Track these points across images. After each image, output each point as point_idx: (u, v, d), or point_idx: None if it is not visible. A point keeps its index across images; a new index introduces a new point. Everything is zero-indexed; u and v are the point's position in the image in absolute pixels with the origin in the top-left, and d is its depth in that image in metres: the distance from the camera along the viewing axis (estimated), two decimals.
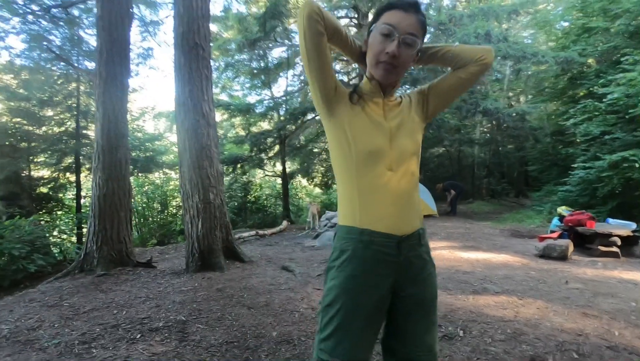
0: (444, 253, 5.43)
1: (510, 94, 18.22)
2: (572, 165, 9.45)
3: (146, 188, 14.52)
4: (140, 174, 13.40)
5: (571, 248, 5.04)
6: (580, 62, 10.76)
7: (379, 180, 1.00)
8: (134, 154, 12.29)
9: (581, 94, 11.93)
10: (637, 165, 7.06)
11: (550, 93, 13.38)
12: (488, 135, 18.46)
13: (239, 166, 15.29)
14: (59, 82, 10.67)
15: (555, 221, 6.33)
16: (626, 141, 8.54)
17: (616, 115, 8.94)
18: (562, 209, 6.43)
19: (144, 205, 14.09)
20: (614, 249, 4.95)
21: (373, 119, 1.05)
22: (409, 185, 1.04)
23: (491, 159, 19.25)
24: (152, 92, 33.55)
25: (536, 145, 14.19)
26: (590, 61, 11.79)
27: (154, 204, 14.42)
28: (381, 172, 1.00)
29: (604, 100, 8.34)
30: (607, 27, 11.26)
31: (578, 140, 11.27)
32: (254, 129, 14.83)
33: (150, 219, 14.09)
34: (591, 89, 10.10)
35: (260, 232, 7.93)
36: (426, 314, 1.03)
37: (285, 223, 9.55)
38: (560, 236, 5.17)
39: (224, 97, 15.02)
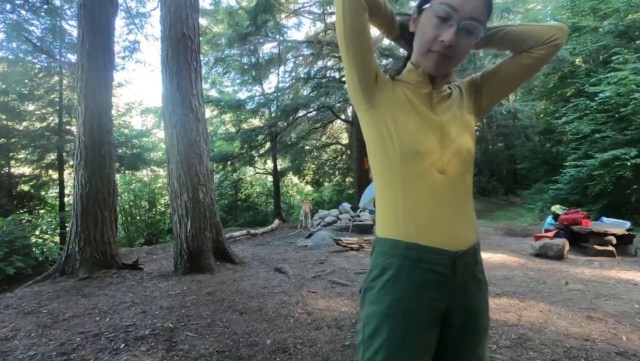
0: None
1: None
2: (563, 163, 9.48)
3: (133, 185, 14.17)
4: (127, 172, 13.03)
5: (567, 247, 5.00)
6: (571, 61, 10.81)
7: (428, 184, 0.84)
8: (120, 150, 11.94)
9: (569, 93, 12.02)
10: (628, 163, 7.10)
11: (540, 92, 13.48)
12: (478, 133, 18.56)
13: (229, 163, 15.05)
14: (40, 76, 10.24)
15: (550, 219, 6.31)
16: (616, 139, 8.62)
17: (606, 114, 9.02)
18: (556, 208, 6.41)
19: (131, 203, 13.74)
20: (610, 248, 4.93)
21: (421, 112, 0.88)
22: (463, 191, 0.87)
23: (481, 158, 19.42)
24: (140, 87, 32.77)
25: (526, 143, 14.32)
26: (578, 60, 11.87)
27: (142, 203, 14.09)
28: (430, 175, 0.84)
29: (595, 99, 8.37)
30: (597, 27, 11.37)
31: (566, 139, 11.37)
32: (244, 125, 14.56)
33: (138, 217, 13.76)
34: (582, 87, 10.17)
35: (252, 231, 7.75)
36: (481, 339, 0.89)
37: (277, 221, 9.38)
38: (557, 235, 5.14)
39: (213, 93, 14.69)
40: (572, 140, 10.12)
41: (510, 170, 18.84)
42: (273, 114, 12.09)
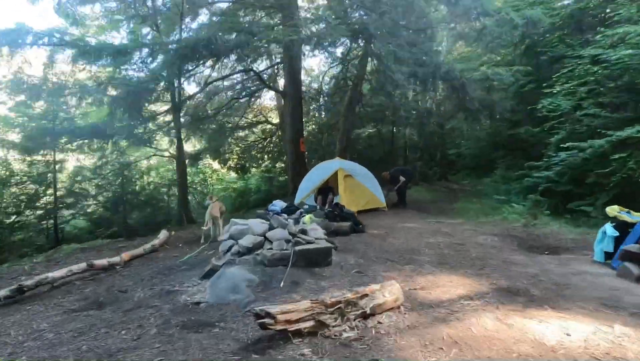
0: (491, 323, 2.46)
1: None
2: (562, 144, 7.39)
3: None
4: None
5: None
6: (550, 23, 8.91)
7: None
8: None
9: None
10: None
11: (506, 62, 11.63)
12: (414, 112, 16.51)
13: (110, 142, 10.72)
14: None
15: (610, 229, 3.92)
16: (609, 118, 6.83)
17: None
18: (615, 210, 4.06)
19: None
20: None
21: None
22: None
23: (423, 141, 17.75)
24: None
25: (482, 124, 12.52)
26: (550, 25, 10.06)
27: None
28: None
29: (610, 58, 6.33)
30: None
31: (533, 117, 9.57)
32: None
33: None
34: (567, 53, 8.27)
35: (98, 262, 4.03)
36: None
37: (164, 233, 5.69)
38: None
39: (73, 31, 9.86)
40: (552, 118, 8.21)
41: (445, 154, 17.59)
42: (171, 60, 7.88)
